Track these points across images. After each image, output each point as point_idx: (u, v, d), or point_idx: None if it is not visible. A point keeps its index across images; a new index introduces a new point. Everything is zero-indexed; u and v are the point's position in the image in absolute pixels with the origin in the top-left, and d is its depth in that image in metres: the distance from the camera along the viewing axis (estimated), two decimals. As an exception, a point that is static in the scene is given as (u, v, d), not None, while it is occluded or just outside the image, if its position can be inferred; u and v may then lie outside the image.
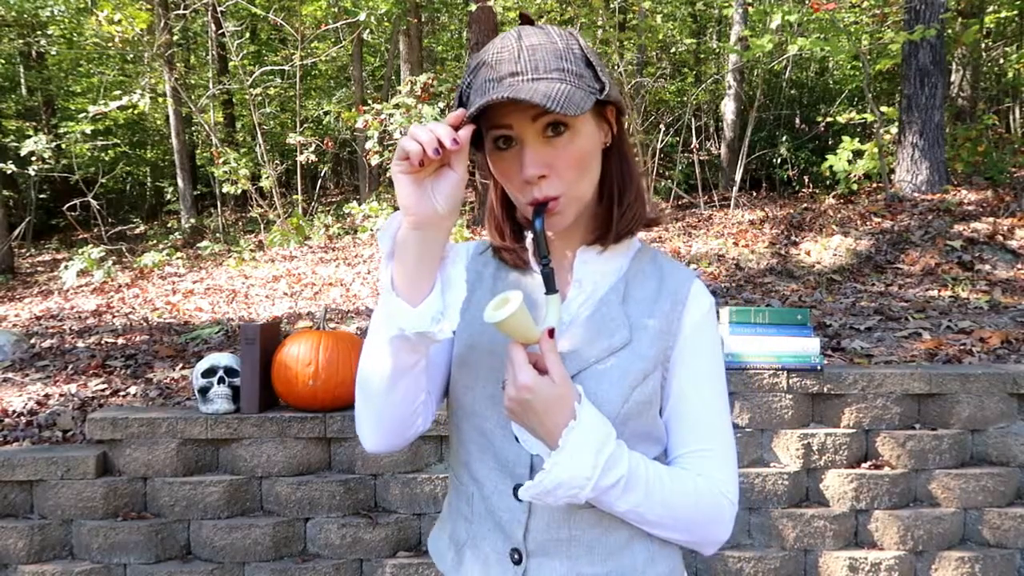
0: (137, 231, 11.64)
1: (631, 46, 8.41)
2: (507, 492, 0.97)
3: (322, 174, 10.63)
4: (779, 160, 8.57)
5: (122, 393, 3.10)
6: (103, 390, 3.15)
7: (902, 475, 2.65)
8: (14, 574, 2.45)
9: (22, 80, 12.36)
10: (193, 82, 11.25)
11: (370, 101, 8.58)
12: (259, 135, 8.00)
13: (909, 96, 6.41)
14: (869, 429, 2.69)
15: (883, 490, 2.64)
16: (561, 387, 0.86)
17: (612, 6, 7.68)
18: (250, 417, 2.57)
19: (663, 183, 7.84)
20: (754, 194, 8.03)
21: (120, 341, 4.08)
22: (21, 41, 11.10)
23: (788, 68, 9.09)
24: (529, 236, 1.04)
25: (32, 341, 4.15)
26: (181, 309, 5.02)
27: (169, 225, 11.41)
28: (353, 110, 7.84)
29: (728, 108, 8.74)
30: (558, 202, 0.92)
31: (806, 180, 8.08)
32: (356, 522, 2.56)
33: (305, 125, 9.38)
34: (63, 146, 9.02)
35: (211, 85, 9.68)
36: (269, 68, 9.50)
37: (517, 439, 0.97)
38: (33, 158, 7.71)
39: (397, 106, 7.22)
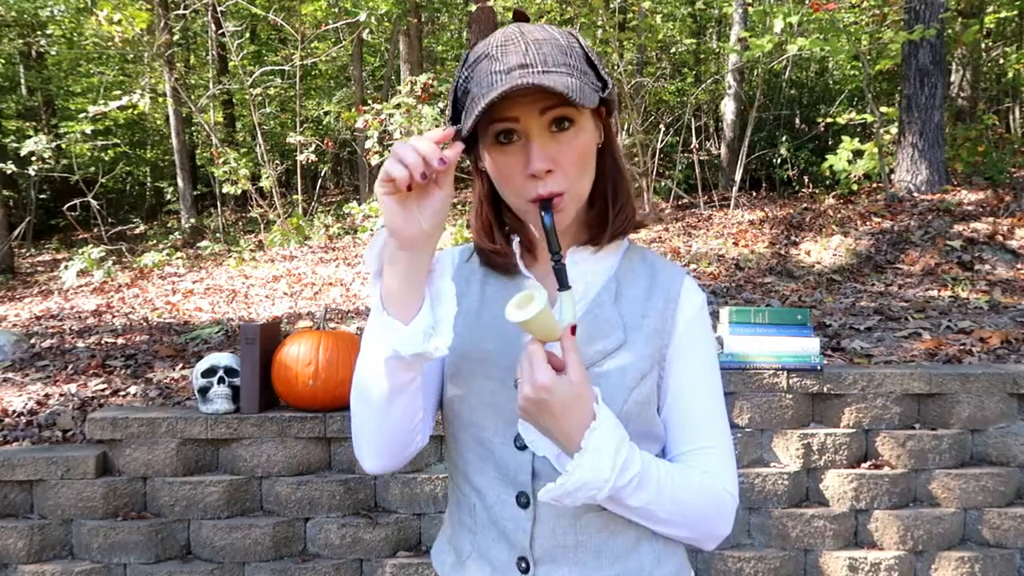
0: (137, 231, 11.63)
1: (631, 46, 8.41)
2: (510, 501, 0.96)
3: (322, 174, 10.63)
4: (779, 160, 8.56)
5: (122, 393, 3.10)
6: (103, 390, 3.15)
7: (902, 475, 2.65)
8: (14, 574, 2.45)
9: (22, 80, 12.36)
10: (193, 82, 11.25)
11: (370, 101, 8.58)
12: (259, 135, 8.00)
13: (909, 96, 6.41)
14: (869, 429, 2.70)
15: (883, 490, 2.64)
16: (580, 387, 0.84)
17: (612, 6, 7.67)
18: (250, 417, 2.57)
19: (663, 183, 7.84)
20: (754, 194, 8.03)
21: (120, 341, 4.08)
22: (21, 41, 11.10)
23: (788, 68, 9.08)
24: (516, 239, 1.03)
25: (32, 341, 4.15)
26: (181, 309, 5.02)
27: (169, 225, 11.41)
28: (353, 110, 7.84)
29: (728, 108, 8.73)
30: (562, 198, 0.91)
31: (806, 180, 8.08)
32: (356, 522, 2.56)
33: (305, 125, 9.38)
34: (63, 146, 9.02)
35: (211, 85, 9.68)
36: (269, 68, 9.50)
37: (518, 444, 0.95)
38: (33, 158, 7.71)
39: (397, 106, 7.22)
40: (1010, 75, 9.42)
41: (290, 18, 9.65)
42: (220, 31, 9.55)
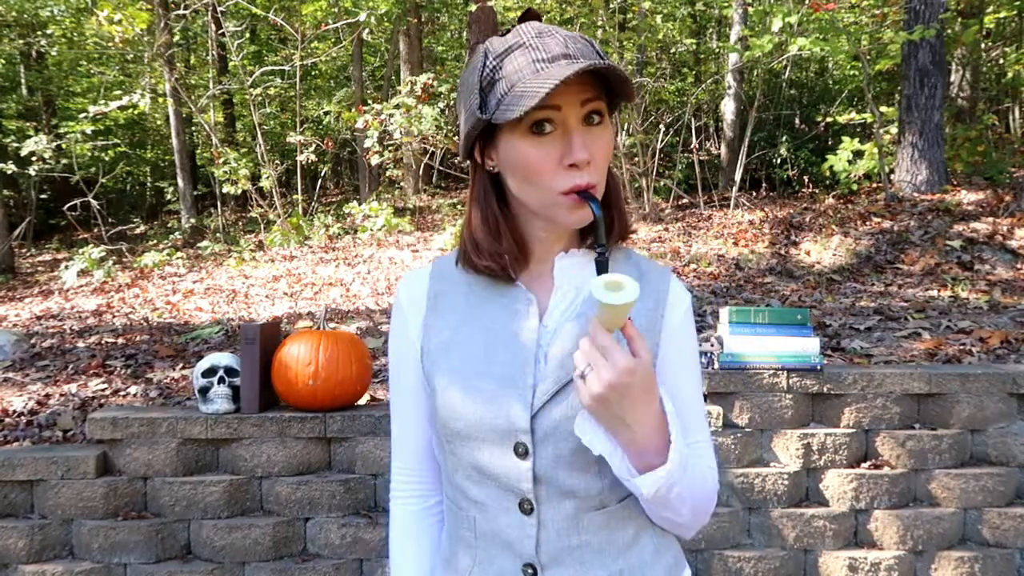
0: (137, 231, 11.64)
1: (631, 46, 8.40)
2: (513, 508, 0.95)
3: (322, 174, 10.64)
4: (779, 160, 8.56)
5: (122, 393, 3.10)
6: (103, 390, 3.15)
7: (902, 475, 2.65)
8: (14, 574, 2.45)
9: (22, 80, 12.36)
10: (193, 82, 11.25)
11: (370, 101, 8.59)
12: (259, 135, 8.00)
13: (909, 96, 6.41)
14: (869, 429, 2.70)
15: (883, 490, 2.64)
16: (652, 370, 0.85)
17: (612, 6, 7.68)
18: (250, 417, 2.57)
19: (663, 183, 7.84)
20: (754, 194, 8.03)
21: (120, 341, 4.08)
22: (21, 41, 11.10)
23: (788, 68, 9.08)
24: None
25: (32, 341, 4.15)
26: (181, 309, 5.02)
27: (169, 225, 11.41)
28: (353, 110, 7.85)
29: (728, 108, 8.73)
30: (595, 190, 0.91)
31: (806, 180, 8.08)
32: (356, 522, 2.56)
33: (305, 125, 9.38)
34: (63, 146, 9.02)
35: (211, 85, 9.68)
36: (269, 68, 9.50)
37: (519, 452, 0.94)
38: (33, 158, 7.72)
39: (397, 106, 7.23)
40: (1010, 75, 9.42)
41: (290, 18, 9.66)
42: (220, 31, 9.55)
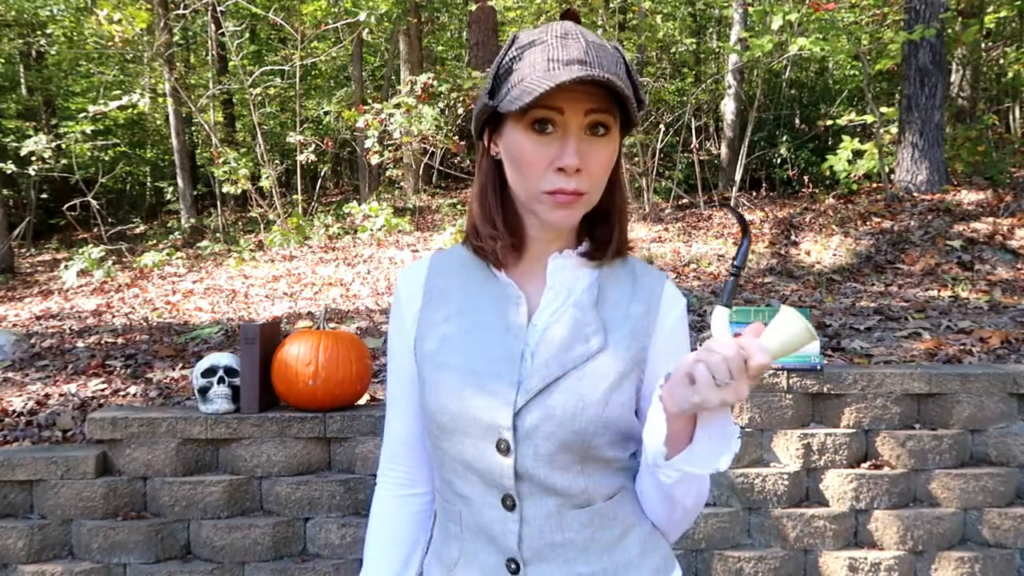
0: (137, 231, 11.64)
1: (631, 46, 8.41)
2: (496, 504, 0.96)
3: (322, 174, 10.63)
4: (779, 160, 8.56)
5: (122, 393, 3.10)
6: (103, 390, 3.15)
7: (902, 475, 2.65)
8: (14, 574, 2.45)
9: (22, 80, 12.36)
10: (193, 82, 11.25)
11: (370, 101, 8.59)
12: (259, 135, 7.99)
13: (909, 96, 6.41)
14: (869, 429, 2.70)
15: (883, 490, 2.64)
16: None
17: (612, 6, 7.68)
18: (250, 417, 2.57)
19: (663, 183, 7.84)
20: (754, 194, 8.03)
21: (120, 341, 4.08)
22: (21, 41, 11.10)
23: (788, 68, 9.09)
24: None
25: (32, 341, 4.15)
26: (181, 309, 5.02)
27: (169, 225, 11.40)
28: (353, 110, 7.84)
29: (728, 108, 8.73)
30: (581, 199, 0.92)
31: (806, 180, 8.08)
32: (356, 522, 2.56)
33: (305, 125, 9.38)
34: (63, 146, 9.02)
35: (211, 85, 9.68)
36: (269, 68, 9.49)
37: (501, 448, 0.94)
38: (33, 158, 7.72)
39: (397, 106, 7.22)
40: (1010, 75, 9.42)
41: (290, 18, 9.65)
42: (220, 31, 9.55)
